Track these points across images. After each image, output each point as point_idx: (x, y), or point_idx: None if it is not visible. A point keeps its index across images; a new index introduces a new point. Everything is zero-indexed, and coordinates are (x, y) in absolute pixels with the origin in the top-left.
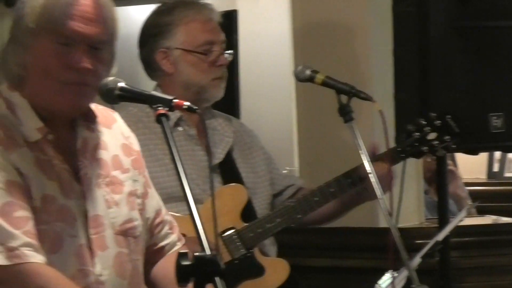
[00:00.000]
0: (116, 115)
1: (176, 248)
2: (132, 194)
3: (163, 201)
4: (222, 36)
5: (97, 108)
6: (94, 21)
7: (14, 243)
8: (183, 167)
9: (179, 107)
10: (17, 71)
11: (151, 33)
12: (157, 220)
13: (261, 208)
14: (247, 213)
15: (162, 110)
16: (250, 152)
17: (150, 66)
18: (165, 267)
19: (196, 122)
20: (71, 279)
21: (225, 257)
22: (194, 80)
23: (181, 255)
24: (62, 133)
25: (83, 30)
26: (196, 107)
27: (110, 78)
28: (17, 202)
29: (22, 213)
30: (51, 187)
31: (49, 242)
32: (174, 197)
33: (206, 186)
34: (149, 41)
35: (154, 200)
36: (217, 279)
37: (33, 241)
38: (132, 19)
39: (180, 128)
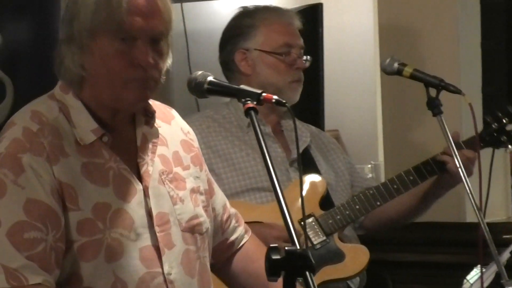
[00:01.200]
0: (173, 112)
1: (244, 240)
2: (194, 191)
3: (241, 193)
4: (301, 41)
5: (154, 103)
6: (151, 14)
7: (14, 265)
8: (270, 158)
9: (267, 100)
10: (76, 71)
11: (232, 35)
12: (225, 216)
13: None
14: (326, 202)
15: (250, 103)
16: (330, 154)
17: (229, 68)
18: (242, 261)
19: (272, 122)
20: (139, 282)
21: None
22: (272, 82)
23: (272, 249)
24: (120, 132)
25: (142, 25)
26: (285, 101)
27: (199, 72)
28: (31, 223)
29: (34, 234)
30: (104, 194)
31: (107, 251)
32: (257, 188)
33: (284, 179)
34: (229, 43)
35: (219, 196)
36: (307, 273)
37: (34, 264)
38: (217, 13)
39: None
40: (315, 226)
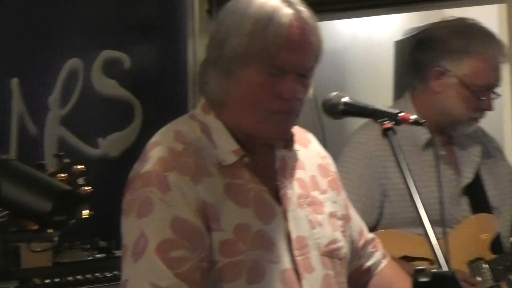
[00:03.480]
0: (310, 136)
1: (382, 265)
2: (332, 215)
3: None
4: (500, 80)
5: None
6: (304, 49)
7: (164, 283)
8: (415, 184)
9: (405, 120)
10: (220, 95)
11: (441, 48)
12: (362, 242)
13: (504, 227)
14: (496, 243)
15: (388, 124)
16: (495, 166)
17: (418, 72)
18: (378, 286)
19: (444, 142)
20: None
21: (476, 281)
22: (455, 112)
23: (418, 272)
24: (258, 155)
25: (295, 61)
26: (424, 120)
27: (334, 93)
28: (178, 241)
29: (181, 253)
30: (245, 215)
31: (248, 273)
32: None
33: (455, 210)
34: (434, 51)
35: (356, 221)
36: None
37: (184, 284)
38: (338, 33)
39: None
40: (484, 271)
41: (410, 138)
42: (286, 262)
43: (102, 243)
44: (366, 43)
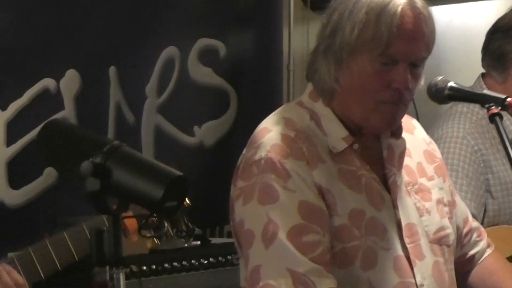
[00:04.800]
0: (415, 122)
1: (486, 255)
2: (439, 202)
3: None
4: None
5: None
6: (416, 39)
7: (300, 269)
8: None
9: None
10: (330, 83)
11: None
12: (466, 229)
13: None
14: None
15: (495, 109)
16: None
17: (500, 61)
18: (481, 275)
19: None
20: None
21: None
22: None
23: None
24: (366, 143)
25: (408, 50)
26: None
27: (439, 78)
28: (308, 225)
29: (312, 237)
30: (359, 200)
31: (363, 258)
32: None
33: None
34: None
35: (461, 208)
36: None
37: (321, 267)
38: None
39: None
40: None
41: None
42: (397, 249)
43: (198, 231)
44: (462, 30)
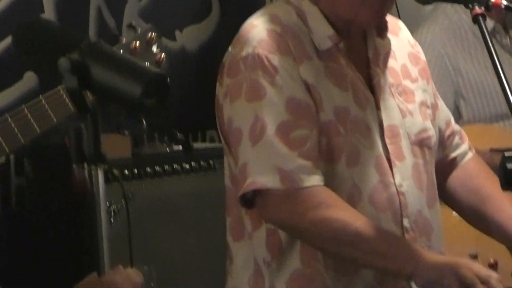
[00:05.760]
0: (400, 23)
1: (467, 158)
2: (423, 104)
3: (494, 120)
4: None
5: None
6: None
7: (288, 166)
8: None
9: (496, 6)
10: None
11: None
12: (448, 132)
13: None
14: None
15: (478, 9)
16: None
17: None
18: (462, 177)
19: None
20: (373, 192)
21: None
22: None
23: (507, 158)
24: (352, 42)
25: None
26: None
27: None
28: (296, 121)
29: (301, 132)
30: (344, 98)
31: (347, 155)
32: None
33: None
34: None
35: (444, 111)
36: None
37: (309, 163)
38: None
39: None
40: None
41: (469, 29)
42: (379, 149)
43: (180, 136)
44: None
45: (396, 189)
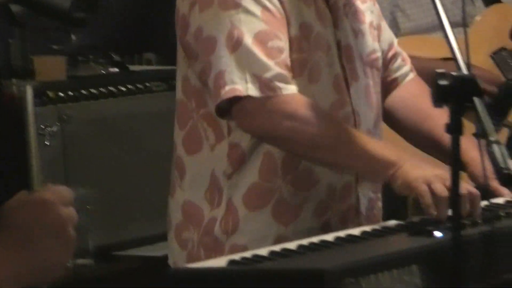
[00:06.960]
0: None
1: (408, 78)
2: (371, 25)
3: (432, 29)
4: None
5: None
6: None
7: (267, 74)
8: None
9: None
10: None
11: None
12: (391, 53)
13: None
14: None
15: None
16: None
17: None
18: (402, 96)
19: None
20: (330, 109)
21: (498, 77)
22: None
23: (439, 75)
24: None
25: None
26: None
27: None
28: (272, 31)
29: (277, 42)
30: (309, 14)
31: (310, 71)
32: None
33: (470, 9)
34: None
35: (387, 32)
36: (476, 99)
37: (286, 72)
38: None
39: None
40: (508, 60)
41: None
42: (337, 68)
43: (117, 58)
44: None
45: (352, 108)
